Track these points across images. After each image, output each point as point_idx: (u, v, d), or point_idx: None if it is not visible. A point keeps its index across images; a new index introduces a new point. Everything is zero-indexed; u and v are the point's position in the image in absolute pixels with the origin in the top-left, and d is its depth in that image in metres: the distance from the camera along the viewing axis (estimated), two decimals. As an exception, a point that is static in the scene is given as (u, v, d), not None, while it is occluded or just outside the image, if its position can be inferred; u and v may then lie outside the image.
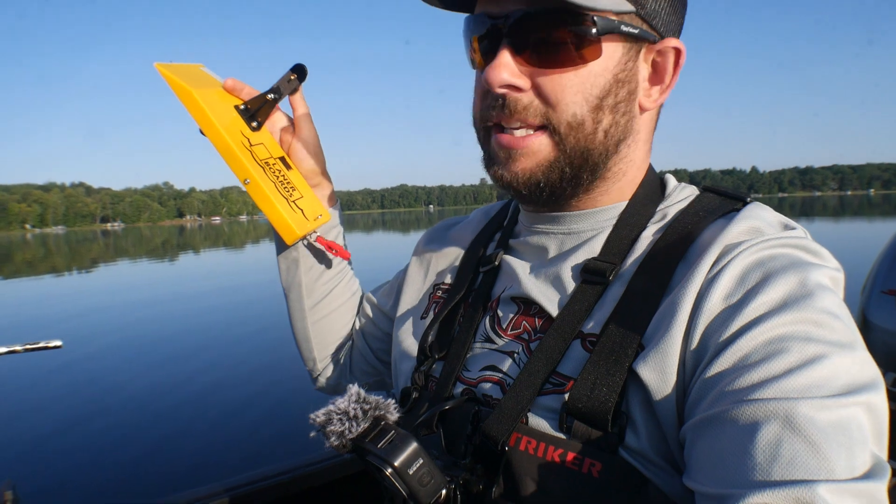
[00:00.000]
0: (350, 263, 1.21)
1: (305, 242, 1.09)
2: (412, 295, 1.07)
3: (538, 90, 0.73)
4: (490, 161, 0.81)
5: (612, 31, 0.71)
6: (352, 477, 1.67)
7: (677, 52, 0.78)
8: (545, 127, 0.75)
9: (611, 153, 0.78)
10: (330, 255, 1.12)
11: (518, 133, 0.76)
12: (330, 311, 1.17)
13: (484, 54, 0.77)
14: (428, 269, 1.07)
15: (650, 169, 0.86)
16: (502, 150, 0.77)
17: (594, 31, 0.70)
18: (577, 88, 0.73)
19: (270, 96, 0.99)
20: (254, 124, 0.99)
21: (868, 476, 0.52)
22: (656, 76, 0.79)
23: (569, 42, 0.71)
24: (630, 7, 0.71)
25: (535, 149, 0.75)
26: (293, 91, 1.02)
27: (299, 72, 1.00)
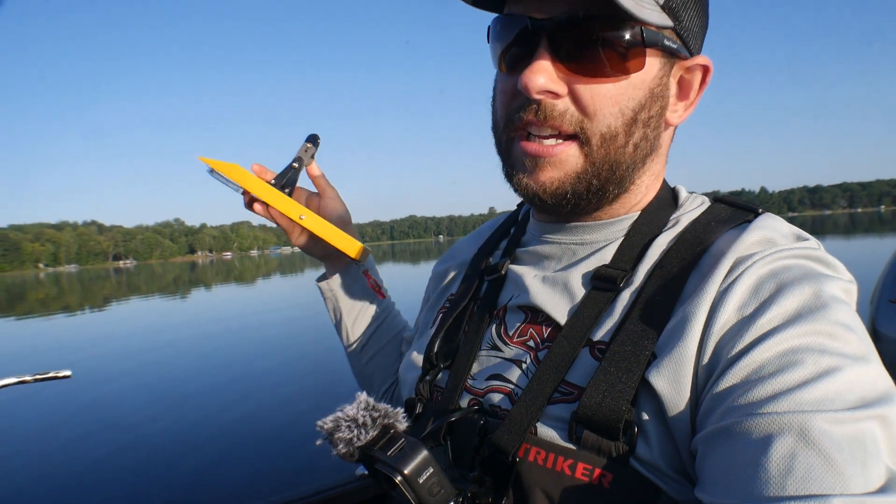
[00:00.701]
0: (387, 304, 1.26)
1: (343, 284, 1.20)
2: (424, 313, 1.09)
3: (575, 98, 0.71)
4: (513, 169, 0.78)
5: (656, 45, 0.71)
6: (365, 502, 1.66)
7: (705, 69, 0.79)
8: (575, 136, 0.73)
9: (637, 167, 0.78)
10: (369, 295, 1.22)
11: (547, 142, 0.73)
12: (377, 351, 1.22)
13: (516, 57, 0.74)
14: (438, 286, 1.09)
15: (664, 181, 0.86)
16: (528, 157, 0.75)
17: (641, 42, 0.70)
18: (615, 100, 0.72)
19: (295, 165, 1.12)
20: (287, 191, 1.11)
21: (883, 490, 0.52)
22: (682, 93, 0.79)
23: (614, 51, 0.69)
24: (670, 22, 0.71)
25: (563, 158, 0.74)
26: (311, 157, 1.14)
27: (314, 140, 1.14)
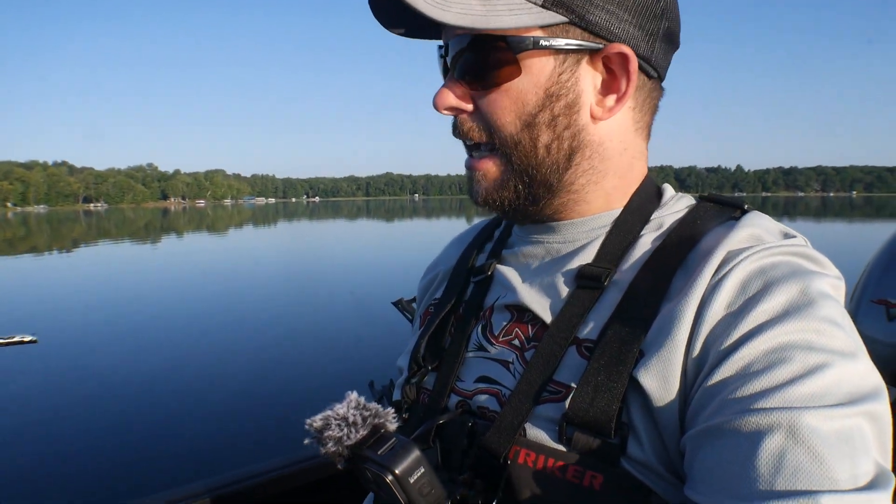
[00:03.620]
0: None
1: None
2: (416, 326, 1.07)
3: (478, 112, 0.76)
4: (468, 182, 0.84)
5: (529, 48, 0.71)
6: (334, 477, 1.64)
7: (623, 56, 0.73)
8: (494, 148, 0.77)
9: (562, 168, 0.77)
10: None
11: (475, 155, 0.80)
12: None
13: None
14: (424, 297, 1.06)
15: (647, 178, 0.84)
16: (468, 171, 0.81)
17: (508, 50, 0.71)
18: (508, 108, 0.74)
19: None
20: None
21: (871, 486, 0.52)
22: (612, 83, 0.75)
23: (489, 64, 0.73)
24: (562, 18, 0.70)
25: (485, 170, 0.79)
26: None
27: None
